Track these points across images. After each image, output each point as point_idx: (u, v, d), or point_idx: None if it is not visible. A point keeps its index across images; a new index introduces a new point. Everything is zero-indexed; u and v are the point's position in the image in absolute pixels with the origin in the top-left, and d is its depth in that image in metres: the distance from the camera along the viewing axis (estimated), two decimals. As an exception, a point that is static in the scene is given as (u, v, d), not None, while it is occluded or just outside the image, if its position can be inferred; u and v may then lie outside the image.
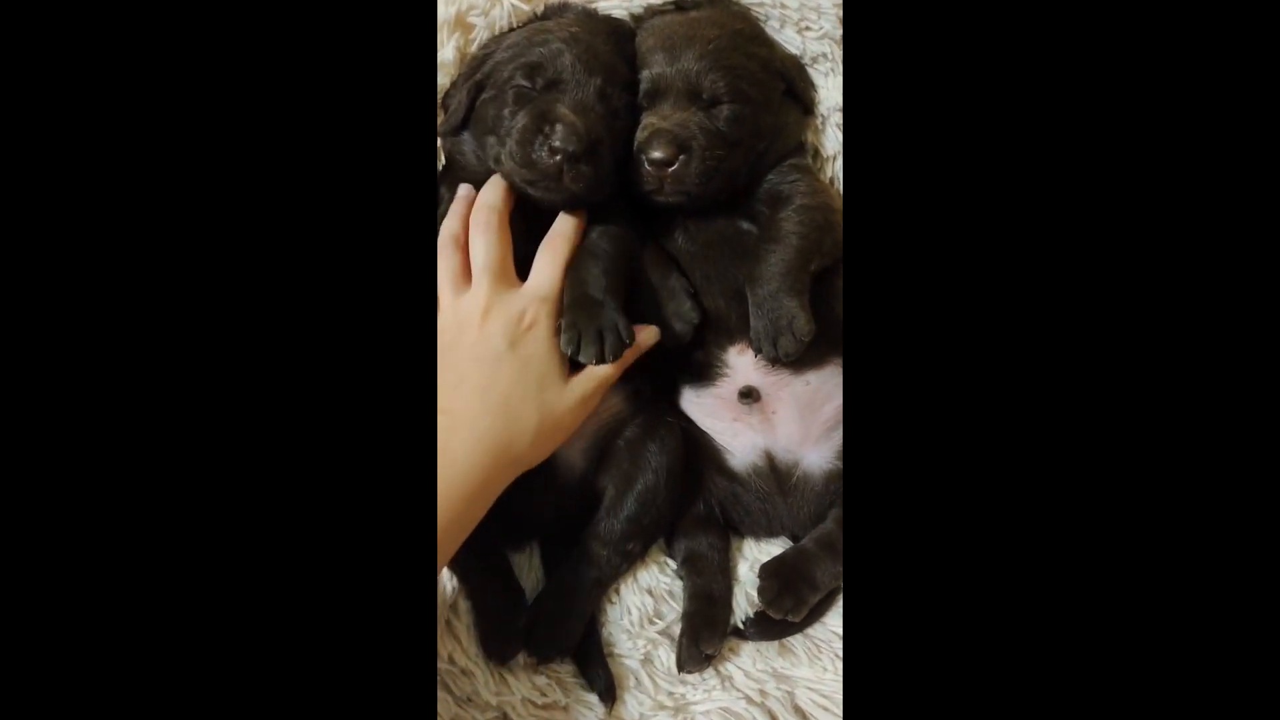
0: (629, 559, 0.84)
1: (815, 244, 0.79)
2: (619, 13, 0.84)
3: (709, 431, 0.86)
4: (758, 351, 0.77)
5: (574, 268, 0.76)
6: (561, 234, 0.78)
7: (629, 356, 0.77)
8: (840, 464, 0.84)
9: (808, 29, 0.84)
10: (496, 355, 0.72)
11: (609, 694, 0.81)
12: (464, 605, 0.82)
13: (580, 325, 0.72)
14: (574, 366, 0.75)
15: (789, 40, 0.85)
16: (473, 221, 0.77)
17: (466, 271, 0.76)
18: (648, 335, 0.79)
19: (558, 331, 0.74)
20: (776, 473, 0.85)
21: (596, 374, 0.75)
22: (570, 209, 0.79)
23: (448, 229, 0.78)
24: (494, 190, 0.78)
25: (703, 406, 0.86)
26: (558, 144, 0.71)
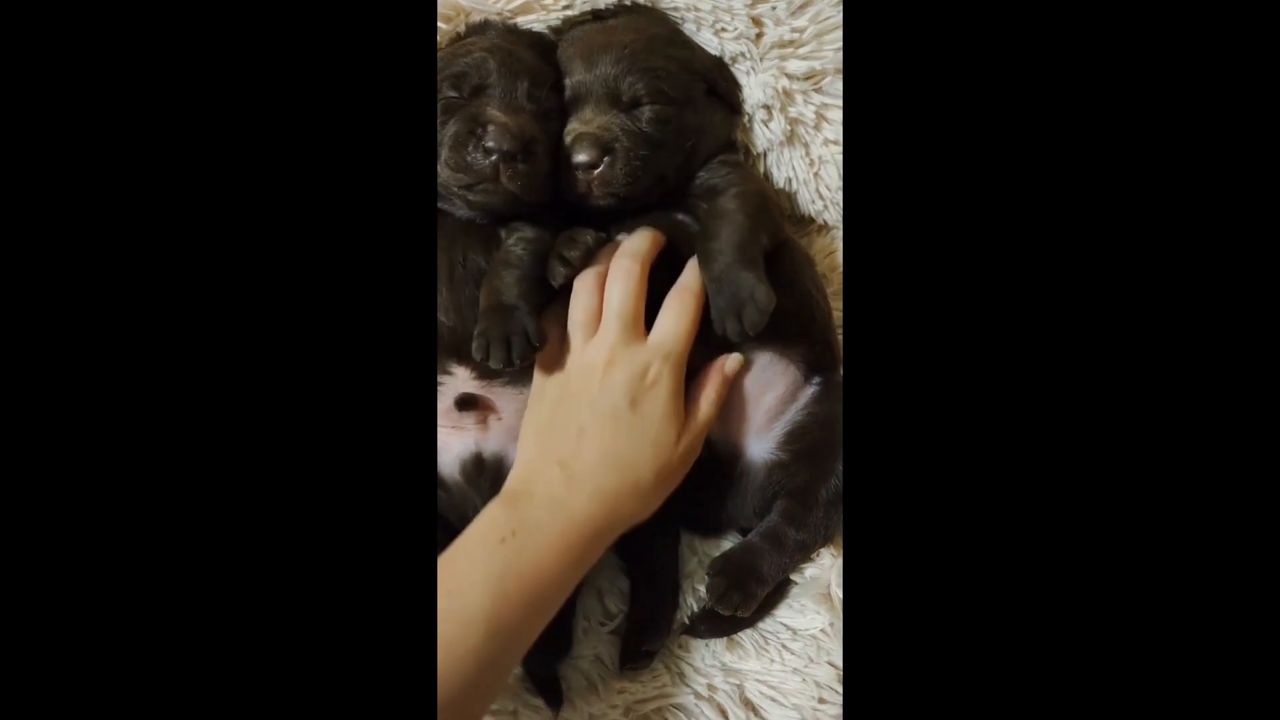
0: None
1: (760, 221, 0.80)
2: (539, 28, 0.86)
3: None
4: (721, 331, 0.76)
5: (490, 277, 0.77)
6: (689, 287, 0.78)
7: (726, 390, 0.78)
8: (782, 455, 0.84)
9: (723, 30, 0.86)
10: (617, 412, 0.73)
11: (556, 698, 0.81)
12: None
13: (489, 333, 0.73)
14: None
15: (706, 42, 0.87)
16: (614, 265, 0.78)
17: (597, 316, 0.77)
18: (732, 364, 0.80)
19: (678, 389, 0.75)
20: (720, 466, 0.85)
21: (702, 428, 0.76)
22: (534, 217, 0.80)
23: (593, 269, 0.79)
24: (642, 239, 0.79)
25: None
26: (491, 144, 0.72)
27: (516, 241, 0.79)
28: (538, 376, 0.78)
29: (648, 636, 0.82)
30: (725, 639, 0.84)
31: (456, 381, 0.81)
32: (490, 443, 0.83)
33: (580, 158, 0.77)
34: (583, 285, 0.78)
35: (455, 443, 0.83)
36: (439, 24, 0.83)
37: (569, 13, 0.86)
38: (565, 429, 0.73)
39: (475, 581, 0.64)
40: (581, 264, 0.78)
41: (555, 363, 0.77)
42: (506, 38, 0.82)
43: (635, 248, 0.78)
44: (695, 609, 0.86)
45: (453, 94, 0.77)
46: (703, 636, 0.84)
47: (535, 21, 0.86)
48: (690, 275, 0.80)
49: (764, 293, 0.74)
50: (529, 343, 0.73)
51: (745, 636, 0.84)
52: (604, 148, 0.77)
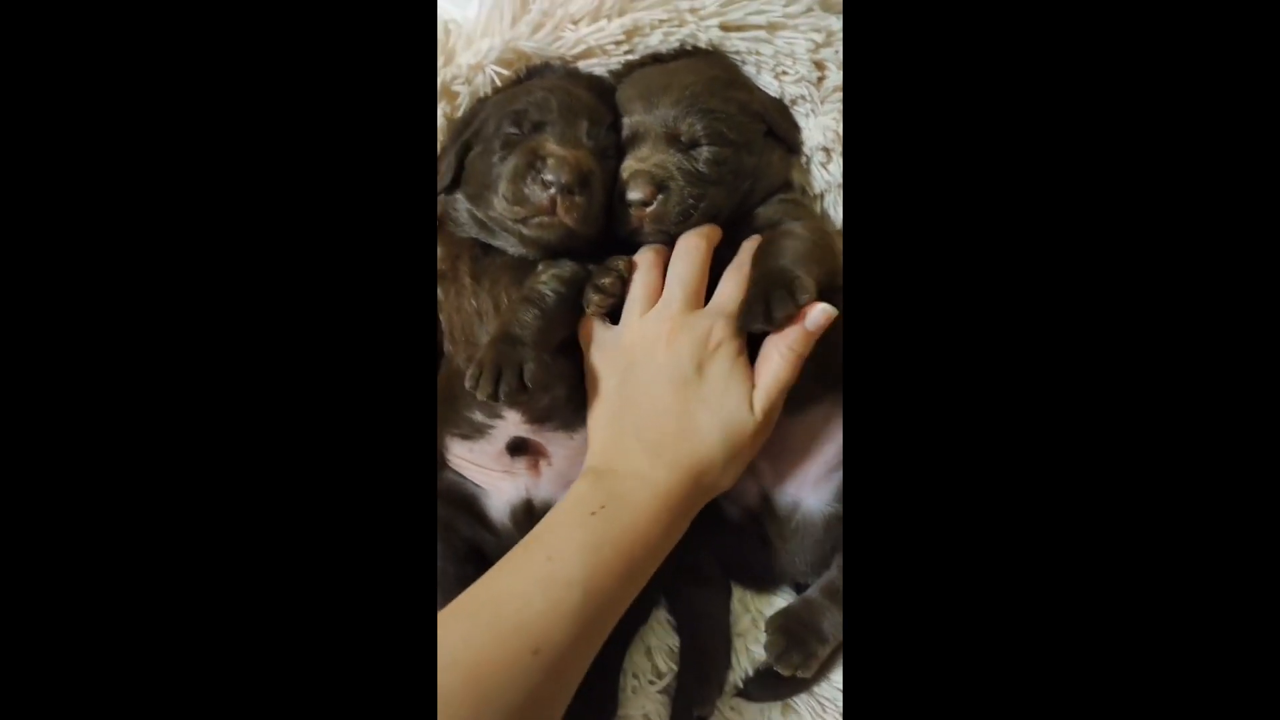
0: (645, 611, 0.82)
1: (824, 251, 0.78)
2: (599, 71, 0.87)
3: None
4: (745, 326, 0.73)
5: (510, 309, 0.76)
6: (744, 260, 0.79)
7: (804, 346, 0.73)
8: (840, 507, 0.80)
9: (784, 74, 0.86)
10: (685, 378, 0.73)
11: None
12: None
13: (485, 362, 0.71)
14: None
15: (767, 85, 0.86)
16: (681, 242, 0.79)
17: (656, 294, 0.77)
18: (819, 314, 0.73)
19: (742, 351, 0.75)
20: (775, 518, 0.82)
21: (777, 387, 0.74)
22: (580, 255, 0.80)
23: (653, 249, 0.80)
24: (705, 225, 0.81)
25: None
26: (549, 177, 0.73)
27: (549, 279, 0.77)
28: (596, 354, 0.78)
29: (698, 699, 0.78)
30: (780, 703, 0.80)
31: (507, 425, 0.80)
32: (541, 489, 0.82)
33: (634, 194, 0.77)
34: (644, 262, 0.78)
35: (507, 487, 0.82)
36: (500, 69, 0.84)
37: (630, 57, 0.86)
38: (635, 401, 0.74)
39: (572, 549, 0.65)
40: (616, 291, 0.77)
41: (614, 338, 0.77)
42: (568, 80, 0.83)
43: (702, 229, 0.79)
44: (748, 670, 0.82)
45: (512, 130, 0.78)
46: (757, 700, 0.80)
47: (596, 65, 0.86)
48: (746, 252, 0.80)
49: (806, 283, 0.71)
50: (521, 381, 0.69)
51: (801, 702, 0.79)
52: (658, 185, 0.77)
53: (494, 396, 0.69)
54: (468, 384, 0.71)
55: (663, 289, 0.77)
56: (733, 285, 0.77)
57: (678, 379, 0.73)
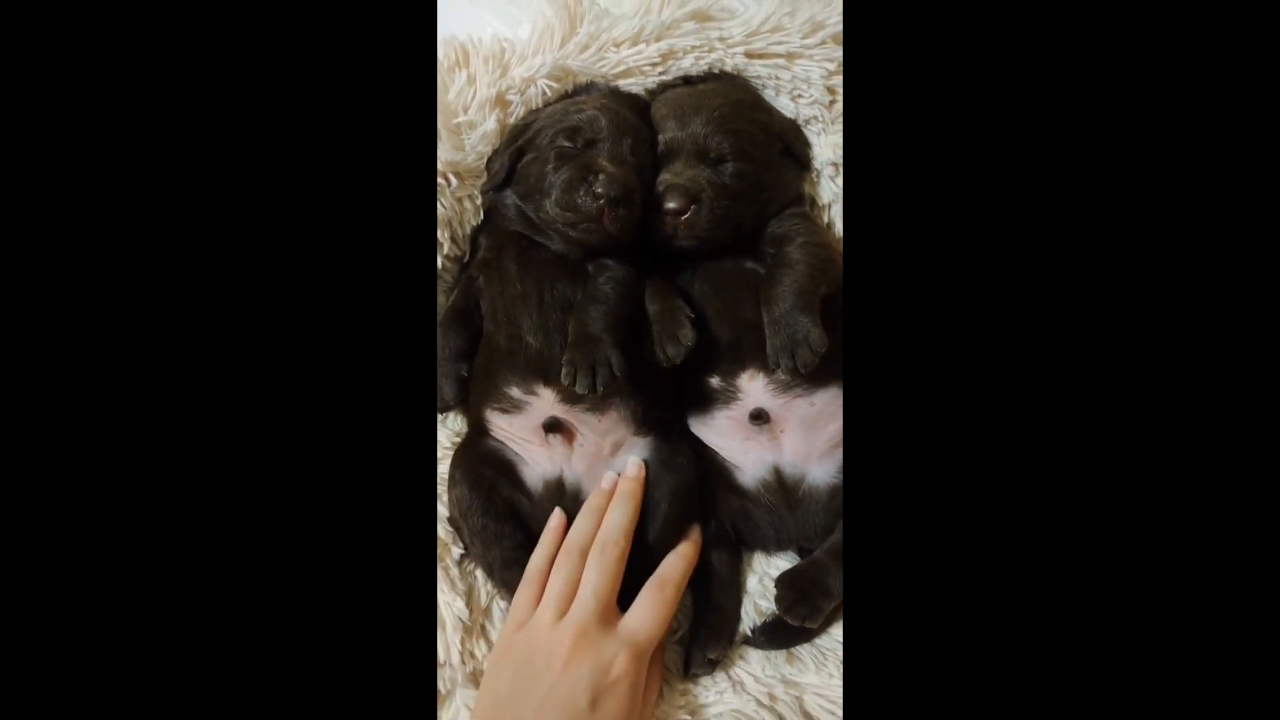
0: None
1: (822, 271, 0.87)
2: (636, 89, 0.97)
3: (719, 450, 0.93)
4: (775, 367, 0.83)
5: (578, 311, 0.86)
6: (671, 579, 0.82)
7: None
8: (843, 479, 0.89)
9: (800, 96, 0.96)
10: (576, 709, 0.71)
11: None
12: (497, 608, 0.89)
13: (577, 361, 0.81)
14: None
15: (784, 106, 0.97)
16: (595, 551, 0.80)
17: (571, 595, 0.78)
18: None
19: (638, 683, 0.75)
20: (784, 487, 0.91)
21: (643, 643, 0.77)
22: (620, 255, 0.88)
23: (579, 544, 0.81)
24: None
25: (714, 428, 0.93)
26: (600, 190, 0.83)
27: (606, 280, 0.88)
28: (502, 642, 0.79)
29: (711, 645, 0.86)
30: (785, 652, 0.88)
31: (542, 404, 0.89)
32: (575, 467, 0.91)
33: (670, 205, 0.87)
34: (565, 560, 0.81)
35: (543, 460, 0.91)
36: (550, 83, 0.94)
37: (664, 78, 0.97)
38: (519, 709, 0.72)
39: None
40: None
41: (522, 635, 0.78)
42: (613, 99, 0.94)
43: (615, 532, 0.82)
44: (756, 621, 0.90)
45: (567, 144, 0.88)
46: (763, 648, 0.89)
47: (634, 84, 0.97)
48: (669, 566, 0.84)
49: (818, 335, 0.81)
50: (611, 372, 0.81)
51: (804, 651, 0.88)
52: (692, 197, 0.87)
53: (593, 389, 0.80)
54: (564, 380, 0.81)
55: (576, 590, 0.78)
56: (648, 608, 0.79)
57: (568, 707, 0.71)
